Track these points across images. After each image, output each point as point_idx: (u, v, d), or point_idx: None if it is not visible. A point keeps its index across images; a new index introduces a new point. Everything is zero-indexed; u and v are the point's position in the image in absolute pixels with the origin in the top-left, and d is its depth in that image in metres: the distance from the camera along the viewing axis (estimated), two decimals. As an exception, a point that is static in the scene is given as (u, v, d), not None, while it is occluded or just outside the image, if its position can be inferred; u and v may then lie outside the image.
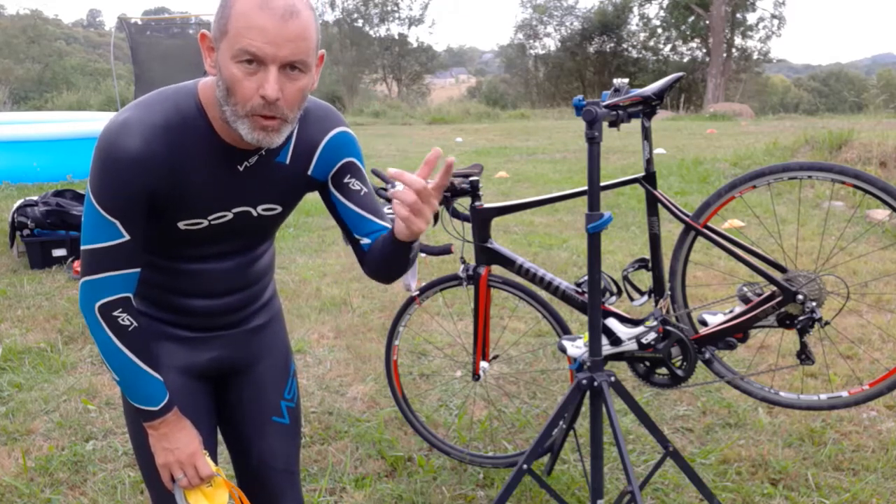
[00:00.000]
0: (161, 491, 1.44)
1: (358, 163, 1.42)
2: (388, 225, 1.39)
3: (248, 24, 1.13)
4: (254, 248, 1.46)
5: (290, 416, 1.59)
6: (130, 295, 1.32)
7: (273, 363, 1.57)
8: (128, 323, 1.31)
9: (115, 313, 1.30)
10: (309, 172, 1.38)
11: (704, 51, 29.43)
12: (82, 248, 1.28)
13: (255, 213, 1.37)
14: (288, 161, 1.35)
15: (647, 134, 2.11)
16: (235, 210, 1.34)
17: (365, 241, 1.41)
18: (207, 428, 1.49)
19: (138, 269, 1.31)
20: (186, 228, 1.32)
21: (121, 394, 1.44)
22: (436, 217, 2.35)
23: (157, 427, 1.37)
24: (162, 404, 1.36)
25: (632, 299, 2.21)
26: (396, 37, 33.11)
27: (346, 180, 1.40)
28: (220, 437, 1.59)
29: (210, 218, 1.32)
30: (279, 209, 1.40)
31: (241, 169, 1.31)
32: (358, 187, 1.40)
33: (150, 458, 1.41)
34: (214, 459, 1.48)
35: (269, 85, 1.15)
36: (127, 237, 1.25)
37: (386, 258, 1.33)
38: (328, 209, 1.44)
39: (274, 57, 1.14)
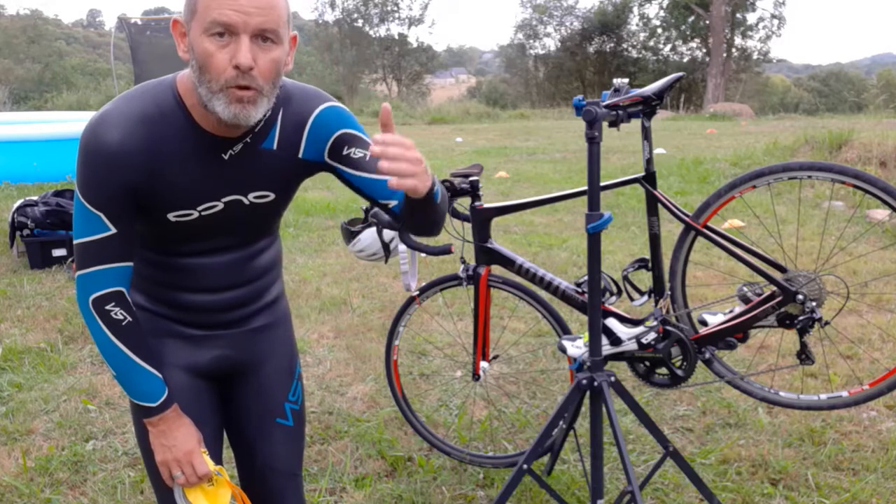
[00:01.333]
0: (163, 488, 1.44)
1: (354, 132, 1.37)
2: None
3: None
4: (252, 242, 1.45)
5: (293, 418, 1.58)
6: (124, 289, 1.32)
7: (278, 365, 1.57)
8: (121, 317, 1.31)
9: (108, 307, 1.30)
10: (300, 155, 1.36)
11: (704, 51, 29.42)
12: (74, 242, 1.29)
13: (246, 202, 1.36)
14: (275, 146, 1.34)
15: (647, 134, 2.11)
16: (225, 199, 1.34)
17: (392, 203, 1.37)
18: (211, 427, 1.49)
19: (130, 264, 1.32)
20: (178, 220, 1.32)
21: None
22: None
23: (156, 424, 1.37)
24: (160, 401, 1.35)
25: (632, 299, 2.21)
26: (396, 37, 33.09)
27: (345, 152, 1.36)
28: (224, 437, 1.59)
29: (200, 208, 1.32)
30: (272, 196, 1.38)
31: (226, 158, 1.30)
32: (361, 154, 1.36)
33: (152, 454, 1.41)
34: (219, 458, 1.48)
35: (241, 53, 1.15)
36: (113, 230, 1.26)
37: (413, 217, 1.33)
38: (346, 186, 1.41)
39: (245, 25, 1.14)
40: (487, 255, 2.34)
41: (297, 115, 1.34)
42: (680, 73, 2.15)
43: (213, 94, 1.18)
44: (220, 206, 1.34)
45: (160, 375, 1.36)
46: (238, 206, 1.36)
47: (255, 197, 1.36)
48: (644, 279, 2.23)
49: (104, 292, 1.30)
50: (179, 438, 1.38)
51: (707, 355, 2.14)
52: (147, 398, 1.35)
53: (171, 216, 1.31)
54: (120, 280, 1.31)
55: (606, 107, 1.90)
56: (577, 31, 32.15)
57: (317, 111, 1.35)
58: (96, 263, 1.28)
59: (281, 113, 1.33)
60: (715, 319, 2.15)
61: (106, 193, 1.23)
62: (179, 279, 1.40)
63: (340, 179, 1.41)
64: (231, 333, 1.49)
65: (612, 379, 1.89)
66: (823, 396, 2.10)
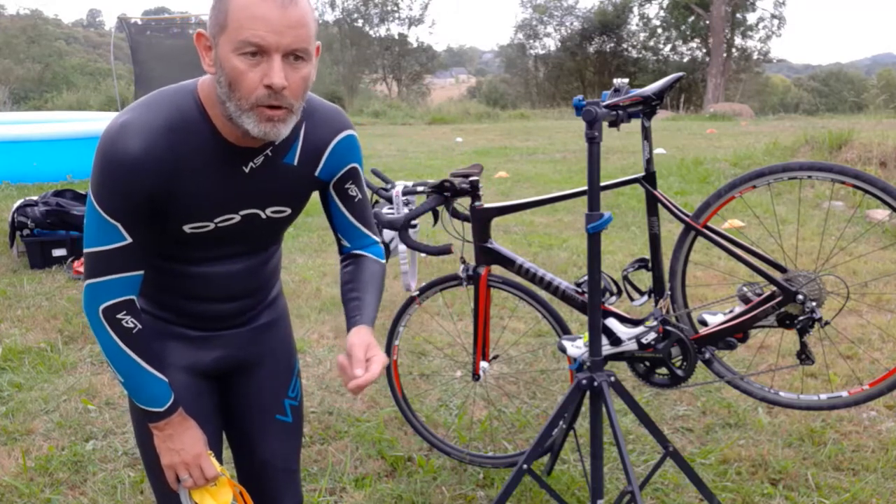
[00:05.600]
0: (165, 490, 1.44)
1: (359, 168, 1.45)
2: (373, 237, 1.52)
3: (249, 15, 1.12)
4: (263, 250, 1.45)
5: (293, 414, 1.59)
6: (134, 297, 1.31)
7: (278, 361, 1.57)
8: (132, 325, 1.30)
9: (119, 316, 1.29)
10: (316, 174, 1.38)
11: (704, 51, 29.43)
12: (85, 250, 1.27)
13: (263, 216, 1.36)
14: (296, 162, 1.34)
15: (647, 134, 2.11)
16: (243, 212, 1.33)
17: (345, 243, 1.51)
18: (213, 427, 1.49)
19: (142, 272, 1.30)
20: (193, 232, 1.31)
21: (126, 393, 1.44)
22: (436, 217, 2.36)
23: (163, 428, 1.36)
24: (167, 405, 1.35)
25: (632, 299, 2.21)
26: (396, 37, 33.14)
27: (346, 186, 1.44)
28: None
29: (216, 220, 1.31)
30: (288, 211, 1.39)
31: (246, 170, 1.30)
32: (354, 193, 1.45)
33: (154, 457, 1.40)
34: (219, 459, 1.48)
35: (274, 73, 1.14)
36: (129, 240, 1.24)
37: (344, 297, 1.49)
38: (322, 205, 1.48)
39: (277, 45, 1.14)
40: (487, 255, 2.34)
41: (320, 135, 1.36)
42: (680, 73, 2.14)
43: (244, 112, 1.17)
44: (237, 218, 1.33)
45: (165, 379, 1.36)
46: (255, 219, 1.36)
47: (273, 212, 1.37)
48: (644, 279, 2.23)
49: (116, 301, 1.28)
50: (187, 442, 1.37)
51: (707, 355, 2.14)
52: (154, 403, 1.34)
53: (186, 227, 1.29)
54: (132, 288, 1.29)
55: (606, 107, 1.90)
56: (577, 31, 32.17)
57: (339, 137, 1.39)
58: (109, 273, 1.26)
59: (303, 129, 1.33)
60: (715, 319, 2.15)
61: (125, 203, 1.21)
62: (188, 287, 1.39)
63: (322, 199, 1.47)
64: (234, 333, 1.49)
65: (612, 379, 1.89)
66: (823, 396, 2.10)
